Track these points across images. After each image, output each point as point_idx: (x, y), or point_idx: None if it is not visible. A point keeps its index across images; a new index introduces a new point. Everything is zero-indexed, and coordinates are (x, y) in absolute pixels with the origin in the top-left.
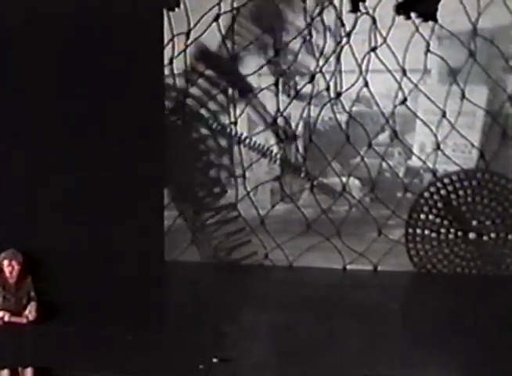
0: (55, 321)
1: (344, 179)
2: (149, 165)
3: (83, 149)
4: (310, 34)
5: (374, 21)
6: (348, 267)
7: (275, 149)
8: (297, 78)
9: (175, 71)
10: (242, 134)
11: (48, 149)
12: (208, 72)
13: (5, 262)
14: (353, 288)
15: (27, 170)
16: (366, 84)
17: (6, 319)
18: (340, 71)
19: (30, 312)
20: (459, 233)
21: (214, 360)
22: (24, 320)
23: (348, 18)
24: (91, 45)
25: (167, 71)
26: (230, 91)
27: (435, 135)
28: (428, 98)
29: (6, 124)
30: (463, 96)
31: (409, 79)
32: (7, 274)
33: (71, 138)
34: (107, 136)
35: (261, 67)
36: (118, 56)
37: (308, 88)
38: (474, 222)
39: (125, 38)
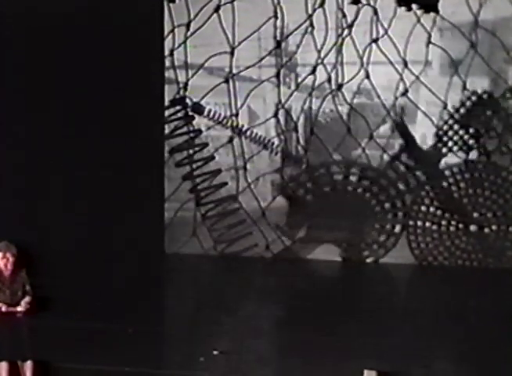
0: (54, 314)
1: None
2: (150, 157)
3: (82, 140)
4: (312, 25)
5: (376, 12)
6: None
7: (276, 141)
8: (299, 70)
9: (176, 63)
10: (243, 126)
11: (45, 139)
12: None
13: (0, 255)
14: (354, 280)
15: (25, 164)
16: (368, 76)
17: (4, 309)
18: (342, 63)
19: (26, 303)
20: (461, 226)
21: (215, 353)
22: (20, 309)
23: (350, 9)
24: (90, 37)
25: (167, 63)
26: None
27: (437, 127)
28: (429, 89)
29: (6, 123)
30: (464, 88)
31: (410, 71)
32: (1, 266)
33: (70, 128)
34: (107, 129)
35: (262, 59)
36: (118, 48)
37: (309, 80)
38: (475, 215)
39: (126, 30)
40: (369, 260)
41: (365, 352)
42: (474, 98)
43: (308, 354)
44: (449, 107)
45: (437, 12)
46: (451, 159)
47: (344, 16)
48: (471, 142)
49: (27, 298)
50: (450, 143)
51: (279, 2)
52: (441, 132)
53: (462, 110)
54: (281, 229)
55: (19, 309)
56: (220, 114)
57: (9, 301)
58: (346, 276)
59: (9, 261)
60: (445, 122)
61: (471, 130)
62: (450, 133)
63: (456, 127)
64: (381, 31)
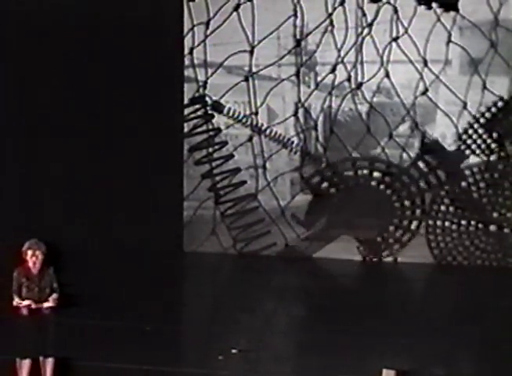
0: (76, 312)
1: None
2: (169, 156)
3: (102, 139)
4: (331, 24)
5: (396, 11)
6: (368, 258)
7: (295, 139)
8: (318, 69)
9: (195, 62)
10: (262, 124)
11: (68, 139)
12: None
13: (29, 252)
14: (373, 280)
15: (51, 164)
16: (387, 75)
17: (33, 306)
18: (362, 62)
19: (54, 300)
20: (480, 225)
21: (234, 351)
22: (48, 304)
23: (370, 8)
24: (110, 36)
25: (187, 61)
26: None
27: (456, 126)
28: (449, 89)
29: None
30: (484, 87)
31: (430, 70)
32: (30, 264)
33: (90, 127)
34: (126, 128)
35: (281, 58)
36: (138, 47)
37: (328, 79)
38: (495, 214)
39: (145, 29)
40: (387, 259)
41: (384, 351)
42: (500, 103)
43: (326, 352)
44: (470, 108)
45: (457, 10)
46: (471, 159)
47: (364, 14)
48: (494, 145)
49: (55, 295)
50: (473, 146)
51: (298, 1)
52: (464, 136)
53: (487, 115)
54: (297, 219)
55: (47, 304)
56: (239, 113)
57: (37, 298)
58: (364, 275)
59: (38, 259)
60: (470, 125)
61: (494, 134)
62: (474, 136)
63: (480, 131)
64: (401, 30)
